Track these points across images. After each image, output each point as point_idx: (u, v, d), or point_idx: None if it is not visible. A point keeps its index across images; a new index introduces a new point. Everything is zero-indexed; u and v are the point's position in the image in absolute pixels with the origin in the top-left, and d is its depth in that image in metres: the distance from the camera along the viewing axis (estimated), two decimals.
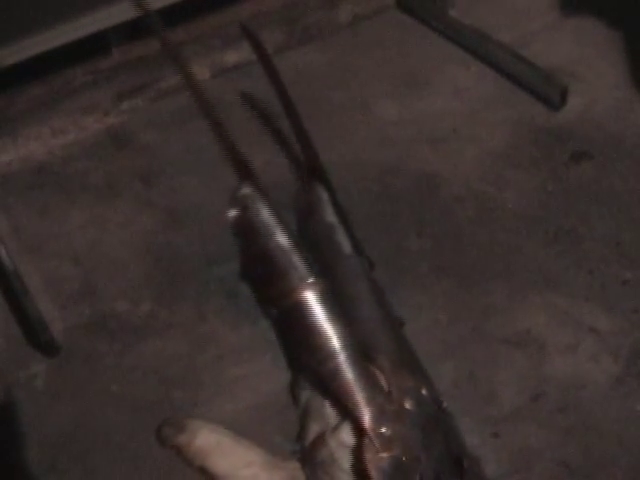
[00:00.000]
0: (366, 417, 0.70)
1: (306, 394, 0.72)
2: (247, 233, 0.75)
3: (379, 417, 0.70)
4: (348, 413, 0.70)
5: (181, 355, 1.96)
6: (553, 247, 2.11)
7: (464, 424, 1.73)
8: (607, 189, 2.23)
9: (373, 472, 0.67)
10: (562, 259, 2.08)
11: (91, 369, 1.96)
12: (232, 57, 2.62)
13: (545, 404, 1.82)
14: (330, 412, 0.71)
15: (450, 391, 1.81)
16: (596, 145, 2.34)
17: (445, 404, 0.77)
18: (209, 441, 0.69)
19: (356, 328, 0.74)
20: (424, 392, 0.77)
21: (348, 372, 0.71)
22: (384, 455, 0.68)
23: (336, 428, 0.70)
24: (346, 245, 0.81)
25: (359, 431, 0.69)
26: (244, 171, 0.77)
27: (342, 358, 0.72)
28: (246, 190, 0.76)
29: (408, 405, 0.73)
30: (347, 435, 0.70)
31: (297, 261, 0.74)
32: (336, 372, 0.71)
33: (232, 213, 0.76)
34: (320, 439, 0.70)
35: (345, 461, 0.69)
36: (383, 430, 0.69)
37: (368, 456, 0.67)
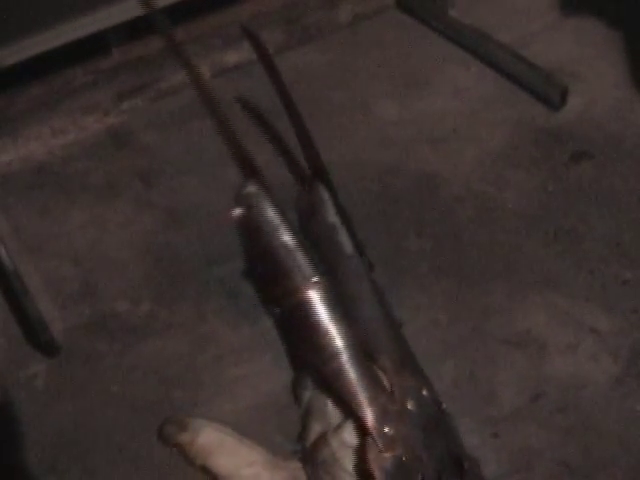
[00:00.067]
0: (369, 417, 0.70)
1: (308, 394, 0.72)
2: (251, 231, 0.75)
3: (382, 417, 0.70)
4: (351, 413, 0.70)
5: (181, 355, 1.96)
6: (553, 247, 2.11)
7: (464, 424, 1.73)
8: (607, 189, 2.23)
9: (376, 472, 0.67)
10: (562, 259, 2.08)
11: (91, 369, 1.96)
12: (232, 57, 2.62)
13: (545, 404, 1.82)
14: (332, 412, 0.71)
15: (450, 391, 1.81)
16: (596, 145, 2.34)
17: (444, 405, 0.76)
18: (211, 440, 0.69)
19: (358, 328, 0.74)
20: (425, 393, 0.77)
21: (351, 372, 0.71)
22: (387, 455, 0.68)
23: (338, 428, 0.70)
24: (348, 245, 0.81)
25: (362, 431, 0.69)
26: (249, 169, 0.77)
27: (345, 358, 0.72)
28: (251, 188, 0.76)
29: (410, 405, 0.73)
30: (349, 435, 0.70)
31: (301, 260, 0.74)
32: (339, 371, 0.71)
33: (237, 211, 0.76)
34: (322, 439, 0.70)
35: (347, 461, 0.69)
36: (386, 430, 0.70)
37: (371, 456, 0.67)
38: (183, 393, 1.89)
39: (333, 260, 0.77)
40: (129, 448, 1.81)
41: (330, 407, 0.70)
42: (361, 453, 0.67)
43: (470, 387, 1.85)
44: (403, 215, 2.21)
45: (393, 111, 2.49)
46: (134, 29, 2.55)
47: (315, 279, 0.73)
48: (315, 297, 0.73)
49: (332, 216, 0.82)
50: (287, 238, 0.75)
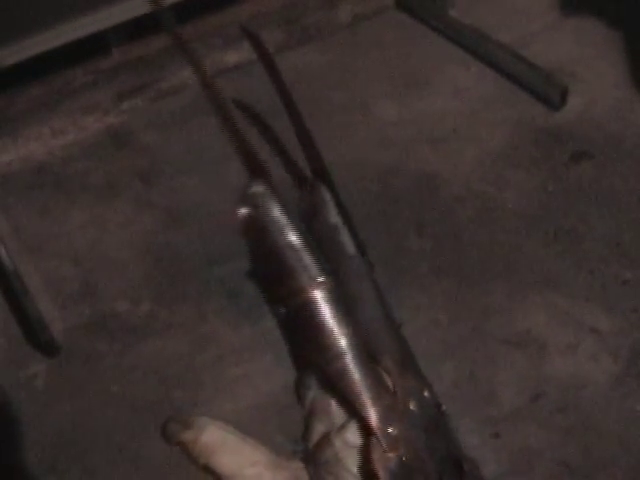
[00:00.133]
0: (373, 417, 0.69)
1: (312, 393, 0.72)
2: (257, 231, 0.74)
3: (386, 417, 0.70)
4: (355, 412, 0.70)
5: (181, 355, 1.96)
6: (553, 247, 2.11)
7: (464, 424, 1.73)
8: (607, 189, 2.23)
9: (381, 472, 0.67)
10: (562, 259, 2.09)
11: (91, 369, 1.96)
12: (232, 57, 2.62)
13: (545, 404, 1.82)
14: (336, 412, 0.71)
15: (450, 391, 1.82)
16: (596, 145, 2.34)
17: (444, 407, 0.76)
18: (215, 438, 0.69)
19: (361, 328, 0.74)
20: (426, 394, 0.77)
21: (355, 372, 0.71)
22: (391, 455, 0.68)
23: (342, 428, 0.70)
24: (350, 246, 0.81)
25: (366, 431, 0.69)
26: (255, 168, 0.76)
27: (350, 358, 0.72)
28: (257, 188, 0.76)
29: (412, 406, 0.73)
30: (353, 435, 0.70)
31: (307, 260, 0.73)
32: (344, 371, 0.71)
33: (242, 211, 0.75)
34: (325, 439, 0.70)
35: (350, 461, 0.69)
36: (390, 430, 0.69)
37: (375, 456, 0.67)
38: (183, 393, 1.89)
39: (335, 261, 0.77)
40: (129, 448, 1.81)
41: (334, 407, 0.70)
42: (365, 453, 0.67)
43: (470, 387, 1.86)
44: (403, 215, 2.21)
45: (393, 111, 2.49)
46: (134, 29, 2.55)
47: (321, 279, 0.73)
48: (321, 297, 0.72)
49: (334, 217, 0.81)
50: (293, 238, 0.74)
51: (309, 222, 0.78)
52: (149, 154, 2.43)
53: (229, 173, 2.27)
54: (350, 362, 0.70)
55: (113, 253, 2.19)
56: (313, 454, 0.67)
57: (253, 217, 0.71)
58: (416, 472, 0.68)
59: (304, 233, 0.72)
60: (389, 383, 0.70)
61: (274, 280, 0.71)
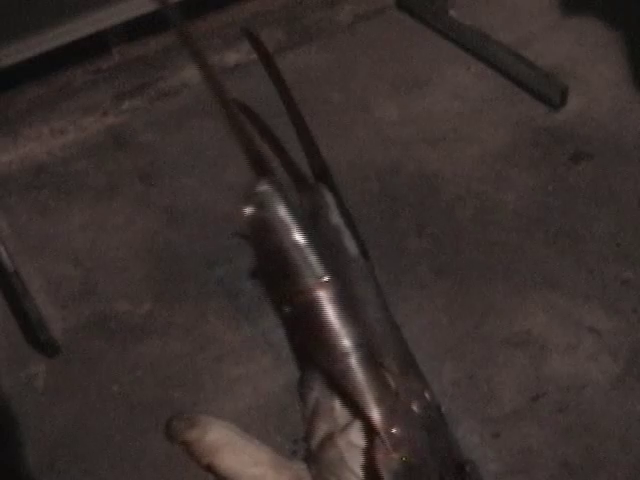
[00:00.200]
0: (377, 417, 0.70)
1: (315, 394, 0.72)
2: (263, 230, 0.74)
3: (390, 417, 0.70)
4: (359, 413, 0.70)
5: (181, 355, 1.96)
6: (553, 247, 2.11)
7: (464, 424, 1.74)
8: (607, 189, 2.23)
9: (384, 472, 0.67)
10: (562, 259, 2.09)
11: (91, 369, 1.96)
12: (232, 57, 2.62)
13: (545, 404, 1.82)
14: (340, 412, 0.71)
15: (450, 391, 1.82)
16: (596, 145, 2.34)
17: (444, 408, 0.77)
18: (221, 437, 0.69)
19: (365, 329, 0.74)
20: (427, 395, 0.77)
21: (360, 372, 0.71)
22: (395, 455, 0.68)
23: (345, 428, 0.70)
24: (352, 247, 0.81)
25: (370, 431, 0.69)
26: (261, 168, 0.76)
27: (354, 358, 0.72)
28: (263, 187, 0.76)
29: (415, 407, 0.73)
30: (356, 435, 0.70)
31: (313, 260, 0.73)
32: (348, 371, 0.71)
33: (248, 210, 0.75)
34: (329, 439, 0.70)
35: (353, 461, 0.69)
36: (394, 430, 0.69)
37: (379, 456, 0.67)
38: (183, 393, 1.89)
39: (337, 262, 0.77)
40: (129, 448, 1.81)
41: (337, 407, 0.70)
42: (369, 453, 0.67)
43: (470, 387, 1.85)
44: (403, 215, 2.21)
45: (393, 111, 2.49)
46: (134, 29, 2.55)
47: (327, 279, 0.73)
48: (326, 297, 0.73)
49: (336, 218, 0.81)
50: (299, 237, 0.74)
51: (311, 223, 0.78)
52: (149, 154, 2.42)
53: (229, 173, 2.27)
54: (354, 362, 0.70)
55: (113, 253, 2.19)
56: (316, 454, 0.67)
57: (259, 216, 0.71)
58: (418, 472, 0.68)
59: (310, 233, 0.72)
60: (392, 384, 0.70)
61: (280, 279, 0.71)
